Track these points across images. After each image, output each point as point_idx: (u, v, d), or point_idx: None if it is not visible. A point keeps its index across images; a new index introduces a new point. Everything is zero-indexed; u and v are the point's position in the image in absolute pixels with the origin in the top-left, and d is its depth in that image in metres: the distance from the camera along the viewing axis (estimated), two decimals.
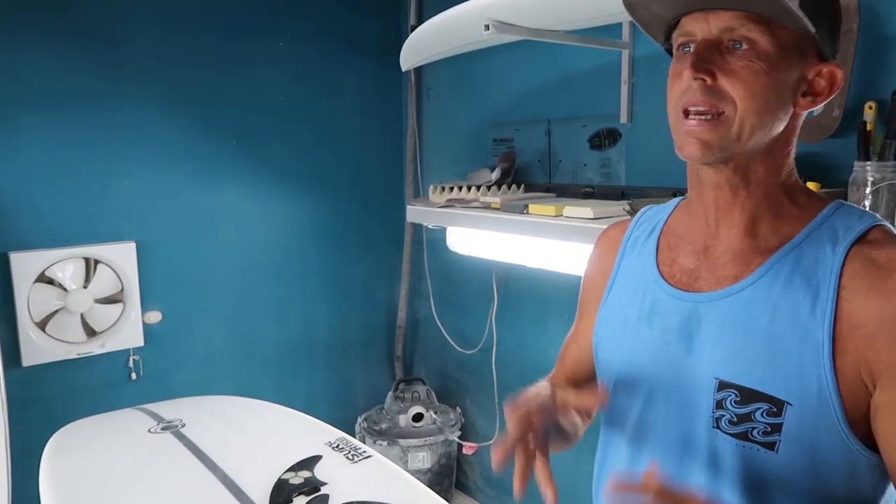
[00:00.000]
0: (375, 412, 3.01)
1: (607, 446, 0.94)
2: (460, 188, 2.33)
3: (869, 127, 1.46)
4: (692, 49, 0.75)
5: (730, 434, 0.75)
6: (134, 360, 2.63)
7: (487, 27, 1.78)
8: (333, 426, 1.58)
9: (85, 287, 2.48)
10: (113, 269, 2.54)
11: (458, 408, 3.01)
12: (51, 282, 2.44)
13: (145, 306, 2.63)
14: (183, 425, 1.52)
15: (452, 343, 2.96)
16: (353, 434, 2.97)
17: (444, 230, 2.48)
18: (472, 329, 2.86)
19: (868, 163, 1.42)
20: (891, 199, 1.40)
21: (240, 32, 2.74)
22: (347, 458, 1.35)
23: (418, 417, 2.86)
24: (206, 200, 2.75)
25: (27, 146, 2.38)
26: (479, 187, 2.33)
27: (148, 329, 2.65)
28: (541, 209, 1.92)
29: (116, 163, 2.55)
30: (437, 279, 3.05)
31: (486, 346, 2.74)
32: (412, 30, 2.78)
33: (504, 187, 2.34)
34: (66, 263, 2.45)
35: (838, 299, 0.72)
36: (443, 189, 2.37)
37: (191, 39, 2.64)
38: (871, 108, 1.48)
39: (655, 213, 0.93)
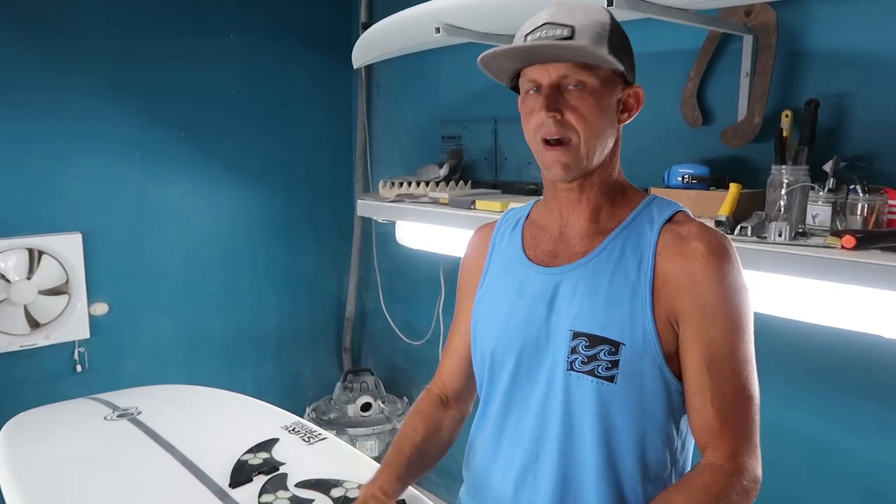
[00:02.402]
0: (324, 402, 3.07)
1: (484, 408, 1.11)
2: (409, 183, 2.40)
3: (785, 133, 1.60)
4: (541, 92, 0.96)
5: (581, 372, 0.96)
6: (79, 352, 2.61)
7: (438, 30, 1.86)
8: None
9: (28, 278, 2.45)
10: (58, 260, 2.51)
11: (405, 397, 3.09)
12: None
13: (91, 298, 2.61)
14: (139, 412, 1.55)
15: (400, 335, 3.04)
16: None
17: (392, 224, 2.54)
18: (419, 321, 2.94)
19: (784, 166, 1.56)
20: (802, 200, 1.54)
21: (190, 24, 2.75)
22: (303, 440, 1.41)
23: (366, 407, 2.92)
24: (155, 192, 2.74)
25: None
26: (427, 183, 2.41)
27: (94, 321, 2.63)
28: (487, 205, 2.02)
29: (62, 153, 2.52)
30: (386, 272, 3.12)
31: (434, 337, 2.83)
32: (363, 27, 2.85)
33: (452, 183, 2.42)
34: (8, 254, 2.42)
35: (655, 264, 0.96)
36: (392, 184, 2.43)
37: (140, 30, 2.63)
38: (787, 116, 1.61)
39: (516, 213, 1.16)
